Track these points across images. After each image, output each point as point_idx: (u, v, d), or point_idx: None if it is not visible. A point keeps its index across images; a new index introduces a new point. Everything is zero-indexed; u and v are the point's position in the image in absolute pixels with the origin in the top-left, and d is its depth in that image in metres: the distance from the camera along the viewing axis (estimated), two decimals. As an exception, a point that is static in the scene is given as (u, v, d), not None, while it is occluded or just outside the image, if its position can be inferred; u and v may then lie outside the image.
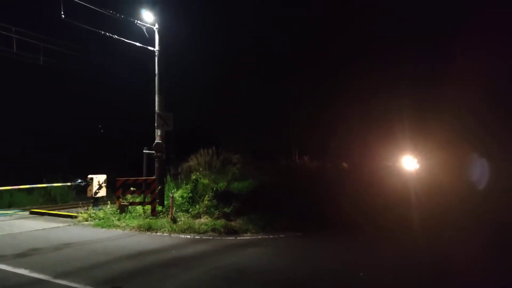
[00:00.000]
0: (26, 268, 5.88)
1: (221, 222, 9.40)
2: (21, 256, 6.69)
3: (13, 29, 13.37)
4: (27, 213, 12.20)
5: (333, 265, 6.40)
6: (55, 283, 5.25)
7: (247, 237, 8.53)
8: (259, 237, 8.55)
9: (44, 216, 11.53)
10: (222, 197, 10.93)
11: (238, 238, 8.46)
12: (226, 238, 8.46)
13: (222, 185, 11.42)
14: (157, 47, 12.39)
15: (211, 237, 8.49)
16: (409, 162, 14.52)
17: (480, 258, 6.47)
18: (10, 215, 11.93)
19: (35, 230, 9.32)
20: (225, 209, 10.39)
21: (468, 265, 6.10)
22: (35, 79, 22.82)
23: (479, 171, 12.37)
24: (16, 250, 7.08)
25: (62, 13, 10.69)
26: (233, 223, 9.41)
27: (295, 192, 11.39)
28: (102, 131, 17.70)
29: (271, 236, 8.56)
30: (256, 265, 6.25)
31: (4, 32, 13.19)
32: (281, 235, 8.65)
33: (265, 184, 12.19)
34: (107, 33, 12.01)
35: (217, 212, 10.27)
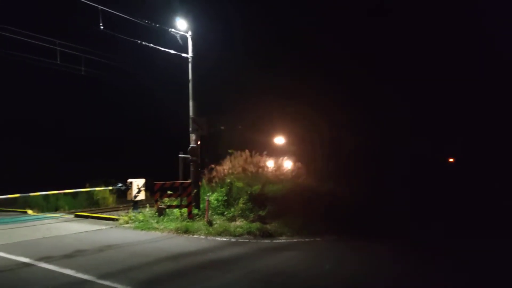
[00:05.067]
0: (72, 268, 6.16)
1: (256, 225, 9.40)
2: (68, 257, 7.02)
3: (57, 42, 14.20)
4: (72, 216, 12.82)
5: (370, 270, 6.20)
6: (99, 283, 5.46)
7: (283, 240, 8.47)
8: (295, 240, 8.46)
9: (88, 219, 12.07)
10: (257, 200, 10.94)
11: (274, 241, 8.43)
12: (262, 241, 8.45)
13: (256, 188, 11.43)
14: (190, 54, 12.65)
15: (247, 240, 8.51)
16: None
17: None
18: (57, 218, 12.59)
19: (79, 233, 9.77)
20: (260, 212, 10.39)
21: None
22: (77, 89, 24.07)
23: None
24: (63, 251, 7.43)
25: (101, 24, 11.21)
26: (268, 226, 9.38)
27: (330, 195, 11.21)
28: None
29: (306, 240, 8.44)
30: (293, 269, 6.18)
31: (49, 45, 14.03)
32: (317, 239, 8.50)
33: (300, 186, 12.07)
34: (143, 42, 12.45)
35: (252, 215, 10.29)
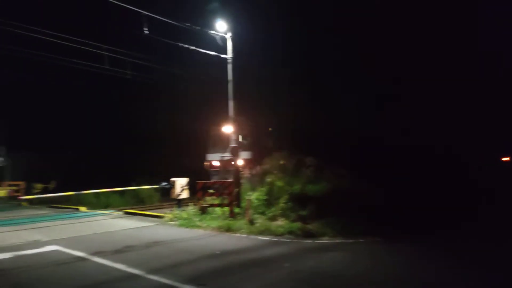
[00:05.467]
0: (123, 263, 6.49)
1: (297, 225, 9.35)
2: (118, 252, 7.40)
3: (104, 47, 15.02)
4: (121, 213, 13.48)
5: (416, 274, 5.96)
6: (148, 278, 5.71)
7: (325, 241, 8.36)
8: (337, 241, 8.33)
9: (135, 216, 12.64)
10: (298, 200, 10.88)
11: (316, 241, 8.34)
12: (303, 241, 8.40)
13: (296, 187, 11.38)
14: (230, 55, 12.84)
15: (288, 240, 8.50)
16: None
17: None
18: (107, 214, 13.28)
19: (128, 229, 10.26)
20: (301, 212, 10.32)
21: None
22: (122, 91, 25.04)
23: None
24: (114, 246, 7.84)
25: (146, 29, 11.68)
26: (309, 226, 9.30)
27: (373, 195, 10.90)
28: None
29: (349, 241, 8.28)
30: (336, 270, 6.09)
31: (97, 50, 14.87)
32: (360, 240, 8.31)
33: (341, 186, 11.84)
34: (184, 45, 12.84)
35: (293, 215, 10.24)
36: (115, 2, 10.53)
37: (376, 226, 8.92)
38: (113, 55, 15.39)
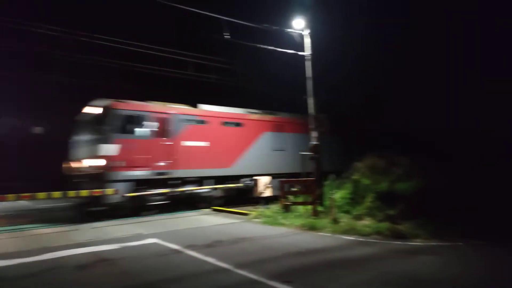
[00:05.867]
0: (213, 257, 6.88)
1: (385, 225, 8.87)
2: (209, 247, 7.86)
3: (189, 54, 16.13)
4: (209, 210, 14.30)
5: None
6: (236, 272, 5.97)
7: (418, 243, 7.77)
8: (432, 243, 7.68)
9: (222, 213, 13.30)
10: (385, 199, 10.32)
11: (407, 243, 7.81)
12: (393, 242, 7.92)
13: (384, 185, 10.80)
14: (308, 52, 12.72)
15: (376, 240, 8.11)
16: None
17: None
18: (197, 211, 14.21)
19: (216, 225, 10.85)
20: (389, 211, 9.77)
21: None
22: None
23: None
24: (205, 241, 8.36)
25: (227, 34, 12.22)
26: (399, 227, 8.75)
27: (473, 194, 9.80)
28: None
29: (446, 244, 7.57)
30: (430, 274, 5.64)
31: (182, 58, 16.01)
32: (459, 243, 7.55)
33: (435, 184, 10.88)
34: (262, 46, 13.11)
35: (380, 214, 9.75)
36: (198, 11, 11.22)
37: (477, 229, 8.01)
38: (198, 61, 16.40)
